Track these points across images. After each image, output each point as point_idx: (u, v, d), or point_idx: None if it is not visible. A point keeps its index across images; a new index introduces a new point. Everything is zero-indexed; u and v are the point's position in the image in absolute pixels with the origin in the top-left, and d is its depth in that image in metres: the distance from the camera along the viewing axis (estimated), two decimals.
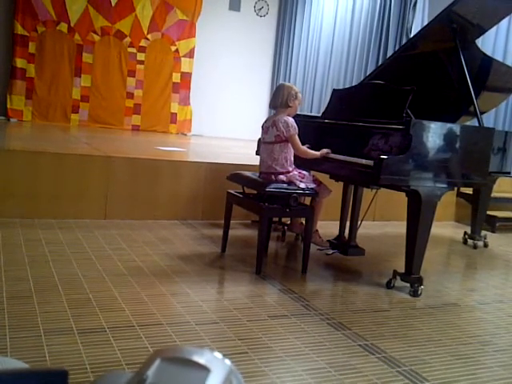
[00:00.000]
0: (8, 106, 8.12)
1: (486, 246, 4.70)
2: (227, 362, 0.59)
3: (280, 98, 3.37)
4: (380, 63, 7.20)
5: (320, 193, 3.45)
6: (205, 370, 0.56)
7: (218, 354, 0.59)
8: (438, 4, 4.41)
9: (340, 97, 3.85)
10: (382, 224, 5.14)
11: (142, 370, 0.57)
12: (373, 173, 2.90)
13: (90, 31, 8.64)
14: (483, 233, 4.74)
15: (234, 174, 3.63)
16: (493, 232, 5.30)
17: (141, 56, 9.07)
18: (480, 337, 2.55)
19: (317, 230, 3.69)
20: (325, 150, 3.38)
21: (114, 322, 2.24)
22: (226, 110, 9.99)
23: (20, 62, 8.16)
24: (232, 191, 3.54)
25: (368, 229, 4.65)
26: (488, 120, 5.98)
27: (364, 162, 3.04)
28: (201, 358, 0.58)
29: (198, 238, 3.92)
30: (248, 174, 3.56)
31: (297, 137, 3.32)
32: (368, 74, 4.78)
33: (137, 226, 4.08)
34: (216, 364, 0.57)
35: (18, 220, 3.80)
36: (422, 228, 3.02)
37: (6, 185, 3.87)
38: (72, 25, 8.49)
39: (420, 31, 3.75)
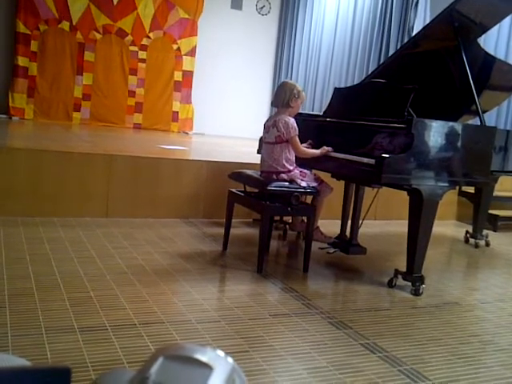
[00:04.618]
0: (10, 104, 8.13)
1: (487, 244, 4.69)
2: (230, 360, 0.59)
3: (281, 98, 3.35)
4: (382, 62, 7.19)
5: (321, 191, 3.45)
6: (208, 368, 0.56)
7: (221, 352, 0.60)
8: (440, 3, 4.40)
9: (341, 95, 3.85)
10: (384, 223, 5.13)
11: (144, 367, 0.57)
12: (374, 171, 2.90)
13: (92, 29, 8.64)
14: (485, 232, 4.73)
15: (236, 172, 3.63)
16: (494, 231, 5.30)
17: (142, 54, 9.07)
18: (481, 336, 2.55)
19: (318, 227, 3.68)
20: (326, 148, 3.38)
21: (116, 320, 2.25)
22: (227, 109, 9.99)
23: (22, 61, 8.17)
24: (233, 190, 3.54)
25: (369, 227, 4.65)
26: (490, 119, 5.97)
27: (365, 160, 3.03)
28: (204, 356, 0.58)
29: (199, 237, 3.92)
30: (249, 172, 3.55)
31: (297, 138, 3.31)
32: (370, 72, 4.78)
33: (138, 224, 4.08)
34: (219, 362, 0.57)
35: (20, 218, 3.80)
36: (424, 227, 3.02)
37: (8, 183, 3.87)
38: (74, 23, 8.49)
39: (422, 30, 3.74)
